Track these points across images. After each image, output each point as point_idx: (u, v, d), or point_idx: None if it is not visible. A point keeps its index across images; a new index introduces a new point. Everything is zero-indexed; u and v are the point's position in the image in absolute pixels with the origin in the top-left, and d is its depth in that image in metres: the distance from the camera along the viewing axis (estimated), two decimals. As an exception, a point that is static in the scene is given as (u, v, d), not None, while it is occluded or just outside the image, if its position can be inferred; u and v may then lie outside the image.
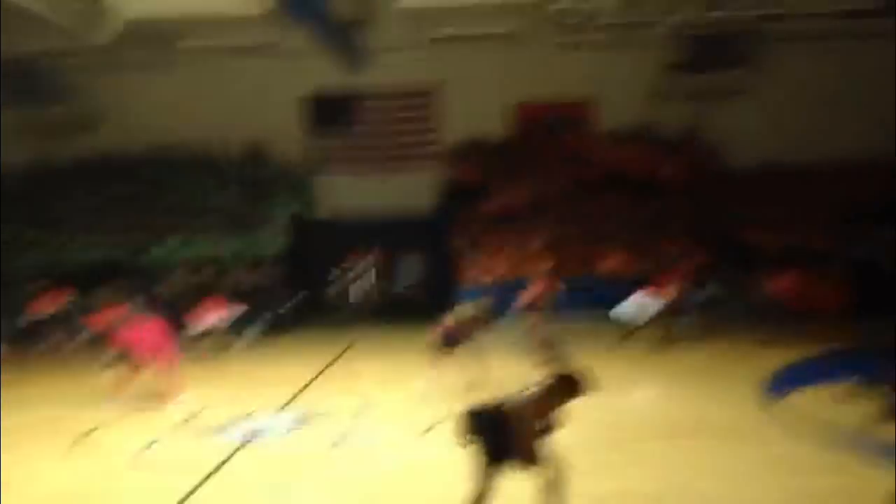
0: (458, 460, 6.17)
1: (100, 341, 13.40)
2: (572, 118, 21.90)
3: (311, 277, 18.88)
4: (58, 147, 21.51)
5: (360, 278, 18.13)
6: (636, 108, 21.15)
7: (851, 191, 19.41)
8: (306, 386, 12.01)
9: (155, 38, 19.53)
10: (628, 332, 14.22)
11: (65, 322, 16.02)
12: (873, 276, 16.52)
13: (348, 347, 15.69)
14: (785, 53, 20.26)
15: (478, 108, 21.07)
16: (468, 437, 5.95)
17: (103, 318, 13.16)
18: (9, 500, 7.40)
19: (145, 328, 11.06)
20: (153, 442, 8.99)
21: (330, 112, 21.53)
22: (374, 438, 8.96)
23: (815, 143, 19.84)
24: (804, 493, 6.86)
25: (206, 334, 14.86)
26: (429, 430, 8.91)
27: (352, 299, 18.40)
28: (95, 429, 9.61)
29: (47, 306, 16.30)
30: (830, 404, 9.34)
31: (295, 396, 11.25)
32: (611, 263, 18.46)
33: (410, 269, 19.20)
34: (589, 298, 16.14)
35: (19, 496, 7.53)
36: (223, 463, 8.20)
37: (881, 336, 12.28)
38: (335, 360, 14.31)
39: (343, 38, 17.89)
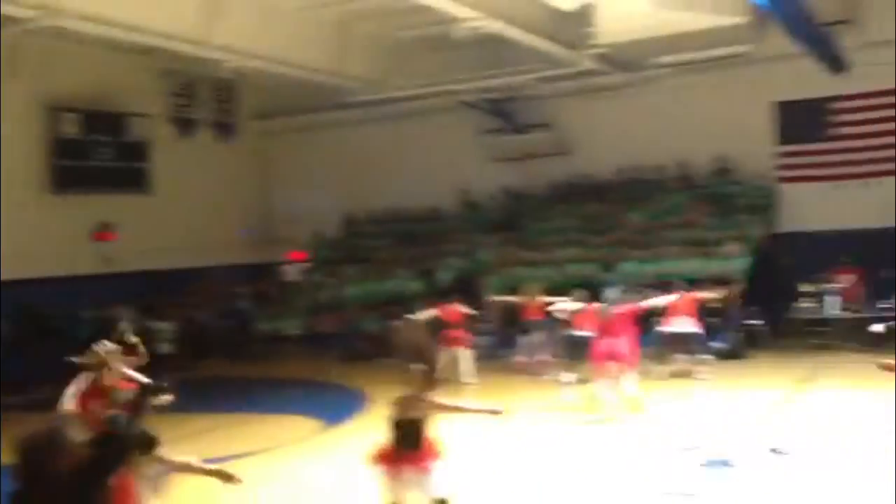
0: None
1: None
2: None
3: (778, 296, 18.23)
4: (535, 172, 23.51)
5: (833, 297, 17.06)
6: None
7: None
8: (770, 414, 11.74)
9: (627, 59, 20.26)
10: None
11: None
12: None
13: (817, 371, 14.96)
14: None
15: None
16: None
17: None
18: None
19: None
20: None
21: (804, 119, 20.55)
22: (852, 481, 8.50)
23: None
24: None
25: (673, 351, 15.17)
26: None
27: (822, 319, 17.38)
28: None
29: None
30: None
31: (760, 425, 11.07)
32: None
33: (888, 287, 17.56)
34: None
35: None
36: (688, 489, 8.42)
37: None
38: (802, 386, 13.76)
39: (825, 39, 16.96)
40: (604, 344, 11.75)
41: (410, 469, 6.17)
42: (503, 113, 22.68)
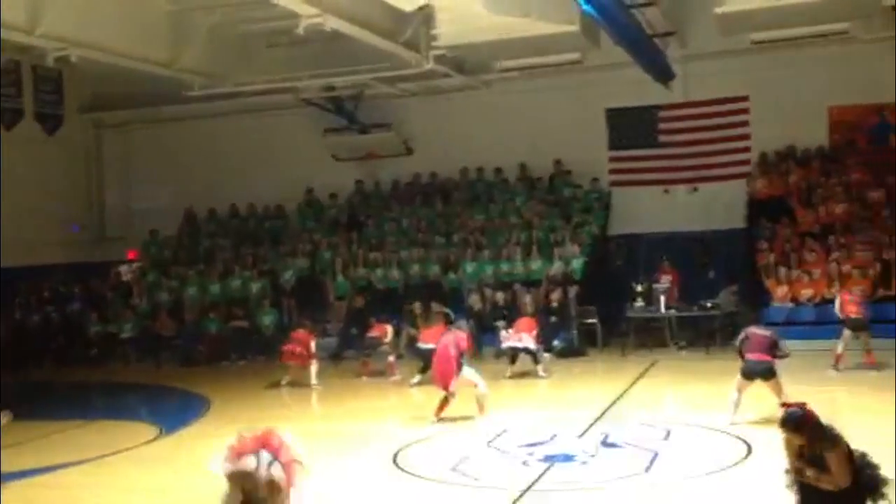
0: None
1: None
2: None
3: (612, 296, 19.05)
4: (379, 172, 23.56)
5: (662, 296, 18.02)
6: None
7: None
8: (607, 409, 12.26)
9: (467, 62, 20.60)
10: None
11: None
12: None
13: (650, 367, 15.77)
14: None
15: (794, 114, 20.01)
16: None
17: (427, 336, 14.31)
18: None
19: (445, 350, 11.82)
20: (465, 458, 9.68)
21: (634, 126, 21.55)
22: (679, 466, 9.01)
23: None
24: None
25: (514, 352, 15.59)
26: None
27: (653, 317, 18.34)
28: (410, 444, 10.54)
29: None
30: None
31: (597, 420, 11.53)
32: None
33: (716, 286, 18.74)
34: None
35: None
36: (531, 485, 8.66)
37: None
38: (635, 381, 14.45)
39: (652, 49, 17.83)
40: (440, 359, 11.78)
41: None
42: (346, 112, 22.56)
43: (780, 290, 17.79)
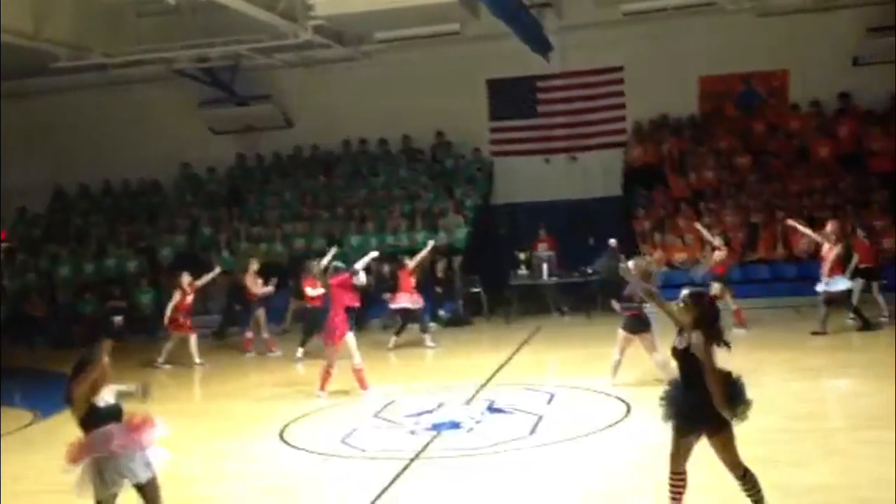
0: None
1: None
2: (767, 90, 21.10)
3: (496, 265, 19.31)
4: (259, 145, 23.10)
5: (544, 264, 18.39)
6: (832, 75, 20.11)
7: None
8: (493, 376, 12.46)
9: (346, 33, 20.33)
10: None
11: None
12: None
13: (534, 333, 16.10)
14: None
15: (667, 83, 20.61)
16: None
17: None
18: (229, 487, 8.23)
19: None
20: (353, 431, 9.68)
21: (514, 96, 21.80)
22: (562, 428, 9.25)
23: None
24: None
25: (398, 323, 15.65)
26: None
27: (536, 285, 18.70)
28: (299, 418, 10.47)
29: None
30: None
31: (482, 386, 11.71)
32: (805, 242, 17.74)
33: (594, 253, 19.22)
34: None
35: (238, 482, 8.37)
36: (419, 453, 8.73)
37: None
38: (519, 348, 14.74)
39: (530, 20, 17.98)
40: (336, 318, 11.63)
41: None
42: (223, 84, 21.96)
43: (656, 255, 18.39)
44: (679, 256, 18.32)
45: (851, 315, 13.88)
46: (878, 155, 19.47)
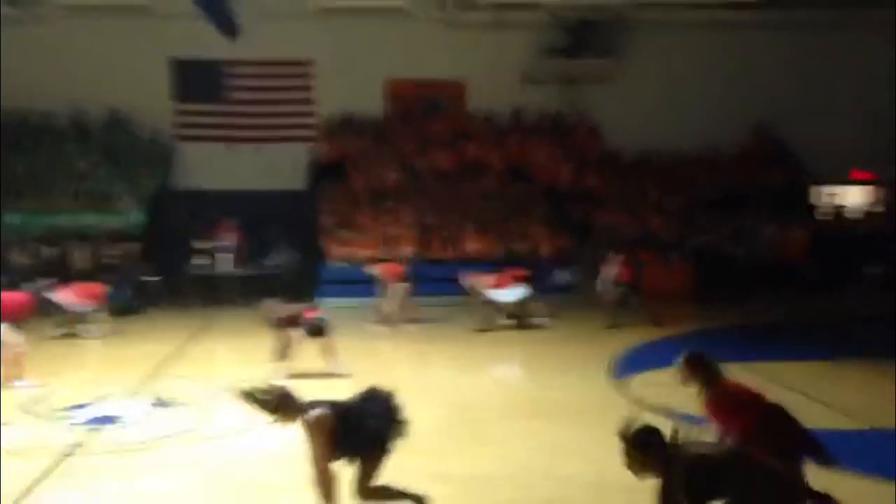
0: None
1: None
2: (447, 98, 22.18)
3: (173, 253, 18.55)
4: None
5: (224, 254, 17.97)
6: (506, 90, 21.63)
7: (699, 179, 20.59)
8: (158, 368, 11.93)
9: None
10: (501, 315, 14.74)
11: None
12: (714, 263, 17.71)
13: (205, 327, 15.64)
14: (655, 43, 21.11)
15: (355, 83, 21.03)
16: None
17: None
18: None
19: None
20: (2, 425, 8.80)
21: (201, 79, 21.07)
22: (228, 422, 9.04)
23: (676, 132, 20.83)
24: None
25: (63, 312, 14.52)
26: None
27: (214, 276, 18.22)
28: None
29: None
30: (672, 386, 9.95)
31: (148, 379, 11.17)
32: (476, 246, 18.88)
33: (277, 246, 19.13)
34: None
35: None
36: (74, 448, 8.12)
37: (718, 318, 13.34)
38: (187, 340, 14.26)
39: (219, 5, 17.48)
40: None
41: None
42: None
43: (337, 251, 18.65)
44: (359, 253, 18.62)
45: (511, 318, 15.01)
46: (542, 168, 21.22)
